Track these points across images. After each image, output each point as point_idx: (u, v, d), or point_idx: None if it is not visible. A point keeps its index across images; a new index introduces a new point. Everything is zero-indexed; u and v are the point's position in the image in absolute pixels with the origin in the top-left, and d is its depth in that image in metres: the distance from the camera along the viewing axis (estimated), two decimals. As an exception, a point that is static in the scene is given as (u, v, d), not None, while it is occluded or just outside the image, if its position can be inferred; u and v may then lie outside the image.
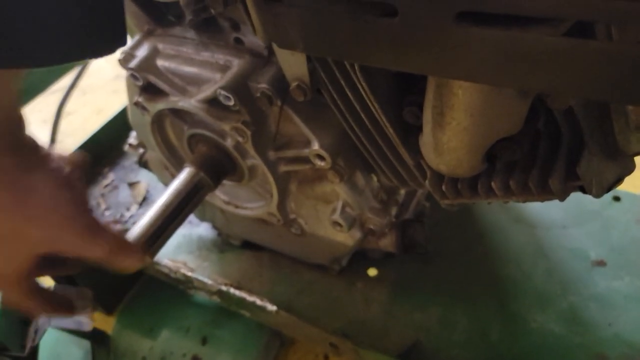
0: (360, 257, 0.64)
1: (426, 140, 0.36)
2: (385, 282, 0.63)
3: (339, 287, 0.64)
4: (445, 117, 0.33)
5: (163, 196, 0.52)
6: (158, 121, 0.58)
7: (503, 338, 0.56)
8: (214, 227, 0.72)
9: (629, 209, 0.65)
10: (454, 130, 0.34)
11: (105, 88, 1.37)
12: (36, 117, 0.94)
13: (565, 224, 0.65)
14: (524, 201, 0.39)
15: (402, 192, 0.56)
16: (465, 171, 0.37)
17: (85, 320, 0.72)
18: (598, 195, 0.38)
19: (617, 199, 0.66)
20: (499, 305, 0.59)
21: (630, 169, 0.40)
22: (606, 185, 0.38)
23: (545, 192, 0.37)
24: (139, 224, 0.50)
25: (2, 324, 0.69)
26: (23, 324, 0.74)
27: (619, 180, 0.40)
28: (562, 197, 0.37)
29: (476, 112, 0.33)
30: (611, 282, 0.59)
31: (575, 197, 0.67)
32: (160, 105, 0.54)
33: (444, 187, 0.41)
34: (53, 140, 0.82)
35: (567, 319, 0.57)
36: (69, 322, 0.70)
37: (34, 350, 0.72)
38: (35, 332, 0.72)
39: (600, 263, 0.61)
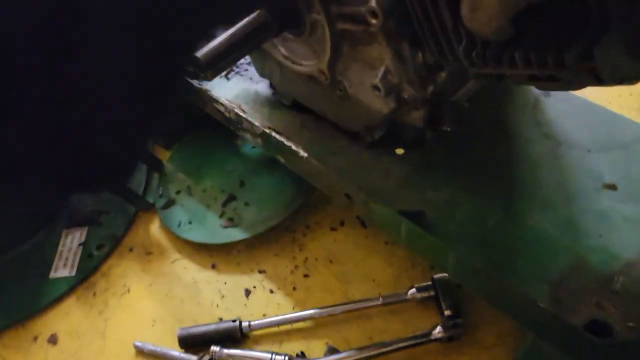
0: (392, 137, 0.70)
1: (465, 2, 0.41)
2: (408, 161, 0.69)
3: (366, 157, 0.70)
4: (484, -27, 0.38)
5: (233, 28, 0.59)
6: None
7: (499, 226, 0.62)
8: (271, 85, 0.79)
9: (658, 149, 0.67)
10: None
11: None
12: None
13: (591, 147, 0.68)
14: (544, 78, 0.44)
15: (443, 75, 0.61)
16: (494, 31, 0.42)
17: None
18: (609, 82, 0.42)
19: (650, 136, 0.68)
20: (504, 201, 0.64)
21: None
22: (620, 75, 0.42)
23: (559, 67, 0.41)
24: (208, 45, 0.58)
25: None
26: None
27: (637, 79, 0.43)
28: (575, 76, 0.41)
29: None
30: (615, 204, 0.62)
31: (608, 126, 0.70)
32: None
33: (474, 54, 0.45)
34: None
35: (562, 223, 0.61)
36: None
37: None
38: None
39: (612, 187, 0.64)
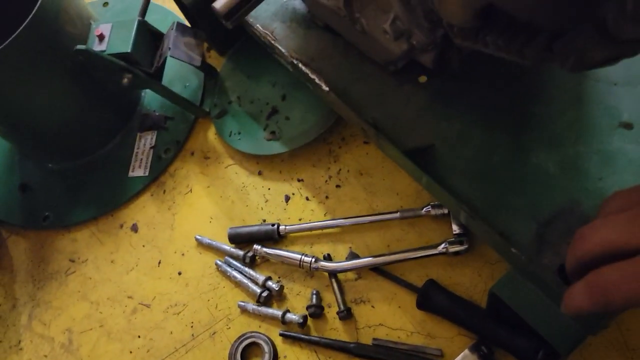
0: (417, 64, 0.72)
1: (433, -12, 0.42)
2: (429, 90, 0.72)
3: (389, 85, 0.74)
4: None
5: (249, -25, 0.62)
6: None
7: (503, 162, 0.65)
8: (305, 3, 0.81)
9: (691, 84, 0.64)
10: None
11: None
12: None
13: (617, 81, 0.66)
14: (515, 59, 0.45)
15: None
16: (460, 22, 0.43)
17: (196, 58, 0.91)
18: (574, 71, 0.43)
19: (686, 70, 0.65)
20: (513, 136, 0.66)
21: (628, 51, 0.43)
22: (589, 62, 0.43)
23: (522, 57, 0.42)
24: (225, -5, 0.62)
25: (137, 44, 0.89)
26: (154, 47, 0.94)
27: (612, 60, 0.44)
28: (537, 65, 0.42)
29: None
30: (625, 145, 0.63)
31: (642, 58, 0.67)
32: None
33: (455, 29, 0.47)
34: None
35: (566, 163, 0.64)
36: (184, 56, 0.89)
37: (160, 70, 0.93)
38: (160, 55, 0.93)
39: (628, 126, 0.64)
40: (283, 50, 0.78)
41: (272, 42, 0.79)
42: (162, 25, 0.97)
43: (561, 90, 0.68)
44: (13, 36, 0.76)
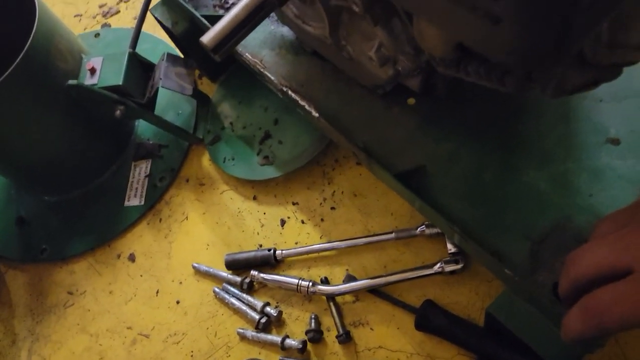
0: (404, 87, 0.73)
1: (414, 25, 0.43)
2: (418, 112, 0.73)
3: (378, 108, 0.74)
4: (422, 10, 0.40)
5: (235, 8, 0.63)
6: None
7: (493, 181, 0.66)
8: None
9: (676, 97, 0.65)
10: (426, 23, 0.40)
11: None
12: None
13: (603, 97, 0.67)
14: (497, 88, 0.46)
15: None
16: (440, 55, 0.44)
17: (188, 87, 0.92)
18: (555, 97, 0.43)
19: (670, 84, 0.66)
20: (503, 154, 0.67)
21: (607, 76, 0.44)
22: (570, 88, 0.44)
23: (503, 85, 0.43)
24: (213, 28, 0.63)
25: (129, 76, 0.90)
26: (145, 77, 0.95)
27: (591, 85, 0.44)
28: (519, 92, 0.43)
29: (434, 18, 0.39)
30: (613, 160, 0.64)
31: (626, 73, 0.68)
32: None
33: (437, 59, 0.48)
34: None
35: (556, 180, 0.64)
36: (175, 86, 0.90)
37: (152, 100, 0.94)
38: (152, 86, 0.93)
39: (615, 141, 0.65)
40: (272, 78, 0.79)
41: (262, 69, 0.80)
42: (153, 54, 0.98)
43: (549, 108, 0.69)
44: (5, 75, 0.77)
